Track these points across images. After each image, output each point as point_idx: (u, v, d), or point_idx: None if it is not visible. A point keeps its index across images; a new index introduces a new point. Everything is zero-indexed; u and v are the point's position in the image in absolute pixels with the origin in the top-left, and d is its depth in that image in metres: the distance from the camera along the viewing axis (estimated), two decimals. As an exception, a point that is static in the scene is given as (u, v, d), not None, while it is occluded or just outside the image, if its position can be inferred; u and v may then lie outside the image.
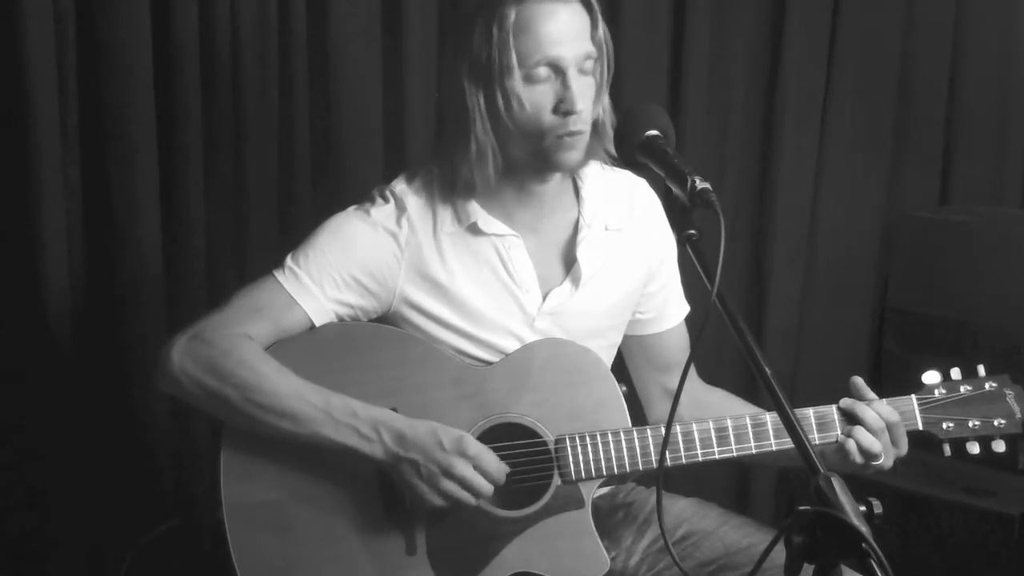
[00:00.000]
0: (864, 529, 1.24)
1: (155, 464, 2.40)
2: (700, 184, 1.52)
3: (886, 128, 3.42)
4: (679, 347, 2.16)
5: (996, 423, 1.97)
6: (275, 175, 2.49)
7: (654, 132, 1.65)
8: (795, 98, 3.22)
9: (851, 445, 1.89)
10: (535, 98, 1.83)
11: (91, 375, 2.33)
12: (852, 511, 1.26)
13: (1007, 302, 3.05)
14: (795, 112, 3.23)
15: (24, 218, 2.20)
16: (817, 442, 1.91)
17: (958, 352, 3.05)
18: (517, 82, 1.82)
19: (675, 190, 1.55)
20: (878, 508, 1.29)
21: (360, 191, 2.02)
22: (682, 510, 2.08)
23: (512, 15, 1.81)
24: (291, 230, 2.44)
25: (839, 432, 1.92)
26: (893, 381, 3.22)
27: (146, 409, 2.36)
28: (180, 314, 2.35)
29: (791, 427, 1.38)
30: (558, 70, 1.83)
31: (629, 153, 1.68)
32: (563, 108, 1.83)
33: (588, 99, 1.86)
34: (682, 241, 1.52)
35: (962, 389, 1.98)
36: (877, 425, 1.89)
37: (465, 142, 1.87)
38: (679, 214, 1.53)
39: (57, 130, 2.21)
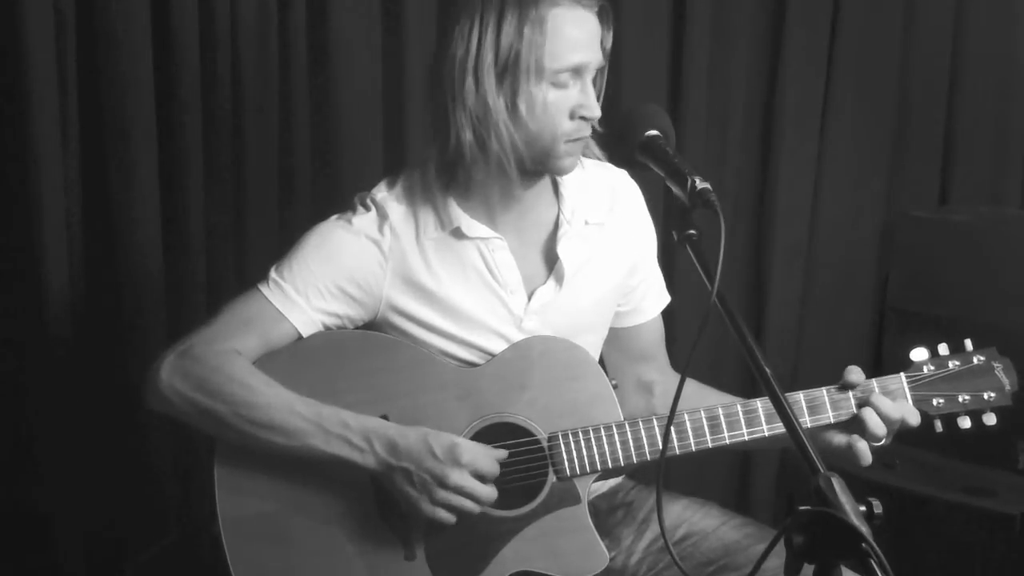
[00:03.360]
0: (864, 529, 1.24)
1: (155, 469, 2.40)
2: (700, 184, 1.52)
3: (886, 128, 3.42)
4: (654, 339, 2.17)
5: (986, 396, 1.95)
6: (275, 175, 2.49)
7: (654, 132, 1.65)
8: (795, 98, 3.22)
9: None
10: (558, 102, 1.83)
11: (91, 376, 2.33)
12: (852, 511, 1.26)
13: (1007, 302, 3.05)
14: (795, 112, 3.23)
15: (24, 218, 2.20)
16: (809, 425, 1.92)
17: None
18: (545, 85, 1.82)
19: (675, 190, 1.56)
20: (878, 508, 1.28)
21: (360, 191, 2.02)
22: (682, 510, 2.08)
23: (548, 17, 1.80)
24: (291, 230, 2.44)
25: (831, 413, 1.92)
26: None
27: (146, 411, 2.35)
28: (180, 315, 2.35)
29: (791, 427, 1.38)
30: (577, 76, 1.84)
31: (629, 153, 1.68)
32: (582, 113, 1.84)
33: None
34: (682, 241, 1.52)
35: (951, 364, 1.97)
36: (879, 431, 1.89)
37: (484, 139, 1.85)
38: (679, 214, 1.53)
39: (57, 130, 2.21)
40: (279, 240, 2.45)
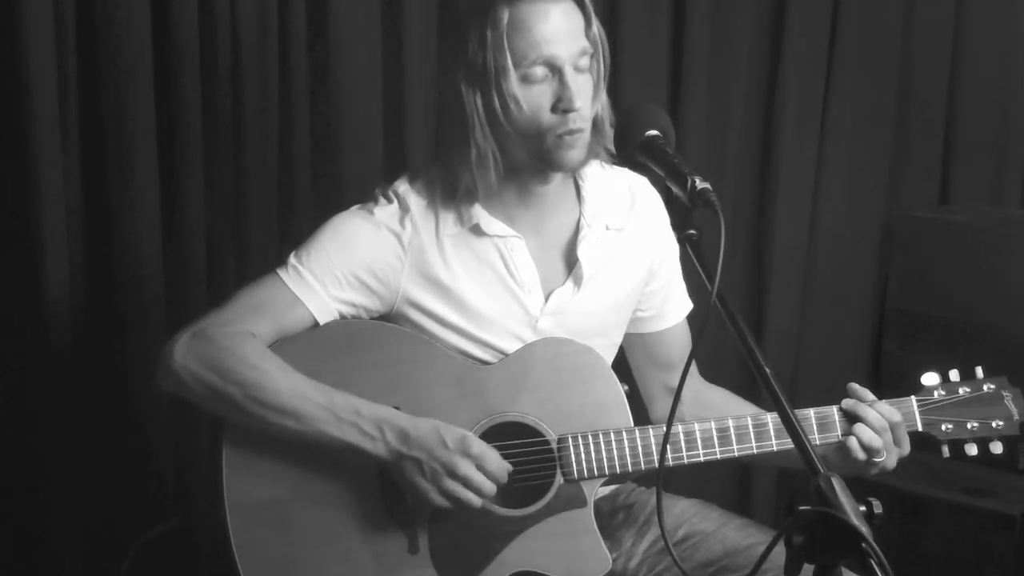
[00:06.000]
0: (864, 529, 1.24)
1: (155, 464, 2.40)
2: (700, 184, 1.52)
3: (886, 128, 3.42)
4: (680, 345, 2.16)
5: (994, 425, 1.97)
6: (275, 175, 2.49)
7: (654, 132, 1.65)
8: (795, 98, 3.22)
9: (853, 442, 1.89)
10: (533, 98, 1.83)
11: (91, 375, 2.33)
12: (852, 511, 1.26)
13: (1007, 302, 3.05)
14: (795, 112, 3.23)
15: (24, 218, 2.20)
16: (818, 442, 1.92)
17: (958, 352, 3.05)
18: (513, 83, 1.82)
19: (675, 190, 1.55)
20: (878, 508, 1.28)
21: (360, 191, 2.02)
22: (683, 511, 2.08)
23: (505, 17, 1.80)
24: (291, 231, 2.44)
25: (840, 432, 1.92)
26: (893, 381, 3.23)
27: (146, 408, 2.36)
28: (180, 314, 2.34)
29: (791, 427, 1.38)
30: (554, 69, 1.83)
31: (629, 153, 1.67)
32: (561, 106, 1.83)
33: (586, 96, 1.86)
34: (682, 241, 1.52)
35: (961, 391, 1.98)
36: (879, 424, 1.90)
37: (465, 147, 1.86)
38: (679, 214, 1.54)
39: (57, 130, 2.21)
40: (279, 240, 2.45)
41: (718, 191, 1.52)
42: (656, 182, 2.04)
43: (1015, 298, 3.04)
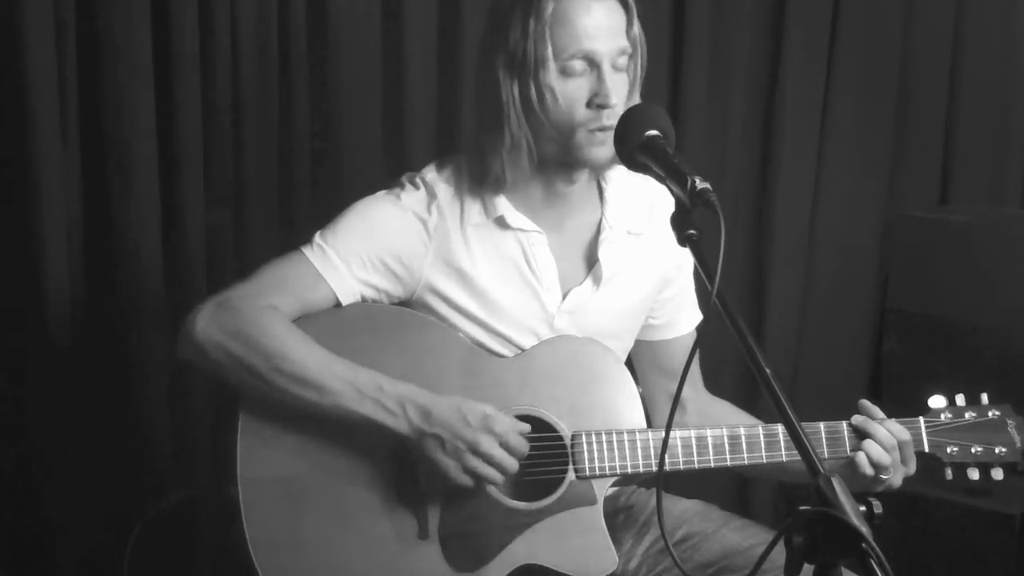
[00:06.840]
0: (864, 529, 1.23)
1: (155, 464, 2.40)
2: (700, 184, 1.52)
3: (886, 128, 3.42)
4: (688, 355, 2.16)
5: (997, 451, 1.99)
6: (275, 175, 2.49)
7: (654, 132, 1.66)
8: (795, 98, 3.22)
9: (861, 458, 1.90)
10: (569, 91, 1.84)
11: (91, 375, 2.33)
12: (852, 511, 1.26)
13: (1007, 302, 3.05)
14: (795, 112, 3.23)
15: (24, 218, 2.20)
16: (827, 456, 1.93)
17: (958, 352, 3.05)
18: (552, 75, 1.84)
19: (675, 190, 1.56)
20: (878, 508, 1.29)
21: (360, 191, 2.02)
22: (683, 512, 2.08)
23: (550, 8, 1.82)
24: (291, 229, 2.44)
25: (849, 448, 1.93)
26: (893, 381, 3.23)
27: (146, 409, 2.36)
28: (180, 313, 2.34)
29: (790, 427, 1.38)
30: (593, 64, 1.84)
31: (629, 153, 1.68)
32: (597, 101, 1.84)
33: (621, 95, 1.87)
34: (682, 241, 1.52)
35: (967, 415, 2.01)
36: (888, 441, 1.91)
37: (499, 134, 1.87)
38: (679, 214, 1.54)
39: (57, 130, 2.21)
40: (279, 240, 2.45)
41: (718, 191, 1.53)
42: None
43: (1015, 298, 3.03)
